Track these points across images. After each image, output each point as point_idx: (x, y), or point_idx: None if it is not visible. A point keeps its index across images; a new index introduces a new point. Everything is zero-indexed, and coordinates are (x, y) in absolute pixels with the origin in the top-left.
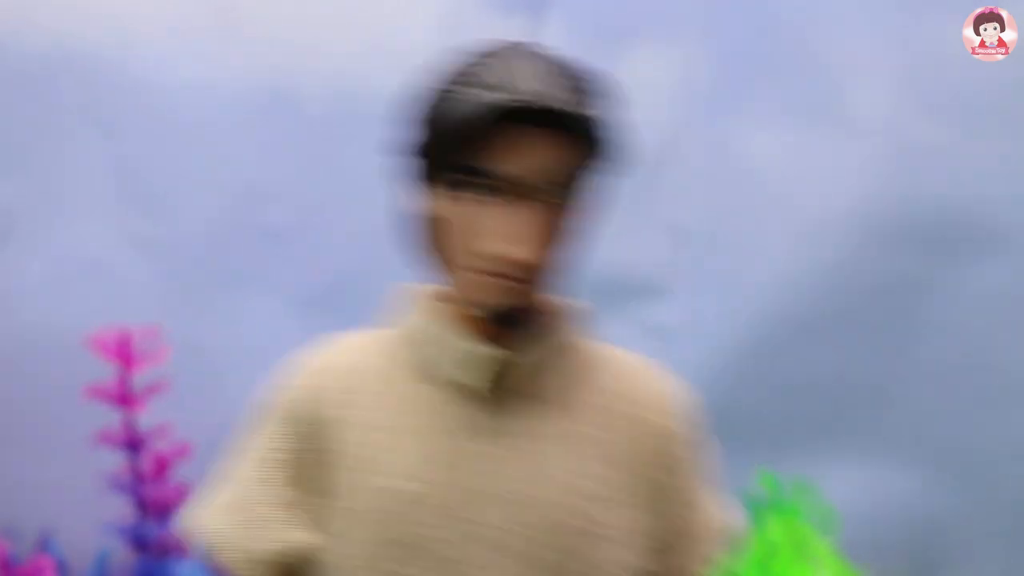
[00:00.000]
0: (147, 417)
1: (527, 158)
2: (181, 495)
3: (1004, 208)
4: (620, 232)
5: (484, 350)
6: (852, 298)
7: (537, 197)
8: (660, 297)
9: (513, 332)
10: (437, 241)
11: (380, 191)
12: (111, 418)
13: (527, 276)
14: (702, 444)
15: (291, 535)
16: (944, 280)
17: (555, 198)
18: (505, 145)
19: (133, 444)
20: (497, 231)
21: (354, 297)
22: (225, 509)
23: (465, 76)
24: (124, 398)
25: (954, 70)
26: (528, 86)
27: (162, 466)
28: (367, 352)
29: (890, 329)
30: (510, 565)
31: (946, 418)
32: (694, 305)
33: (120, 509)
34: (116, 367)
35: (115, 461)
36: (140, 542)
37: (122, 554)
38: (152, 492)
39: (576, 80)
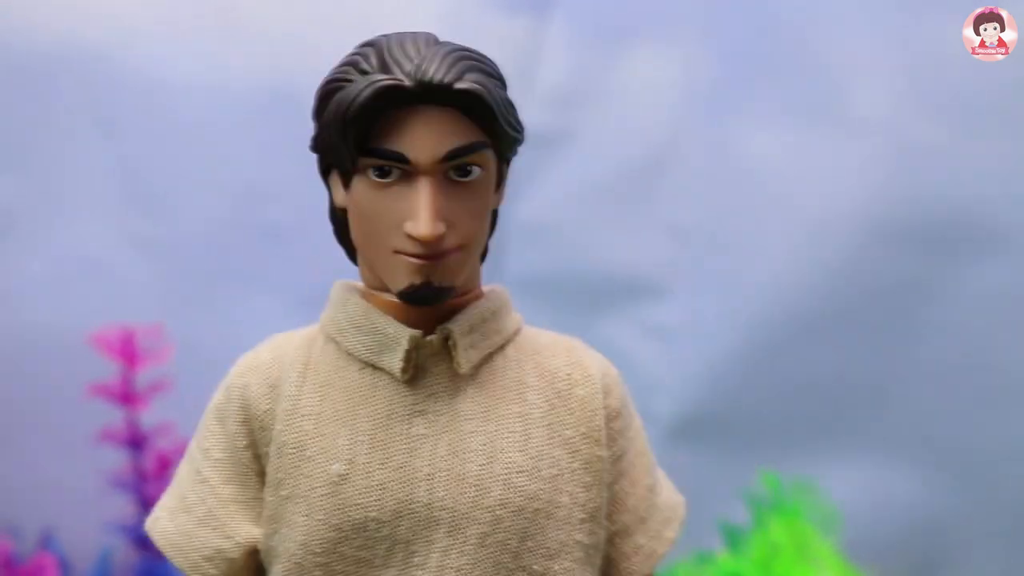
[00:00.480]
0: (149, 416)
1: (416, 136)
2: None
3: (1005, 208)
4: (620, 232)
5: (397, 331)
6: (853, 298)
7: (432, 174)
8: (660, 297)
9: (433, 313)
10: (348, 230)
11: None
12: (113, 417)
13: (429, 252)
14: (638, 422)
15: (234, 531)
16: (945, 280)
17: (454, 175)
18: (393, 126)
19: (135, 443)
20: (396, 210)
21: None
22: (170, 512)
23: (348, 65)
24: (126, 396)
25: (955, 70)
26: (406, 66)
27: (164, 465)
28: (289, 346)
29: (891, 329)
30: (441, 540)
31: (947, 418)
32: (694, 305)
33: (122, 508)
34: (118, 366)
35: (117, 460)
36: (142, 541)
37: (124, 553)
38: (155, 491)
39: (461, 58)
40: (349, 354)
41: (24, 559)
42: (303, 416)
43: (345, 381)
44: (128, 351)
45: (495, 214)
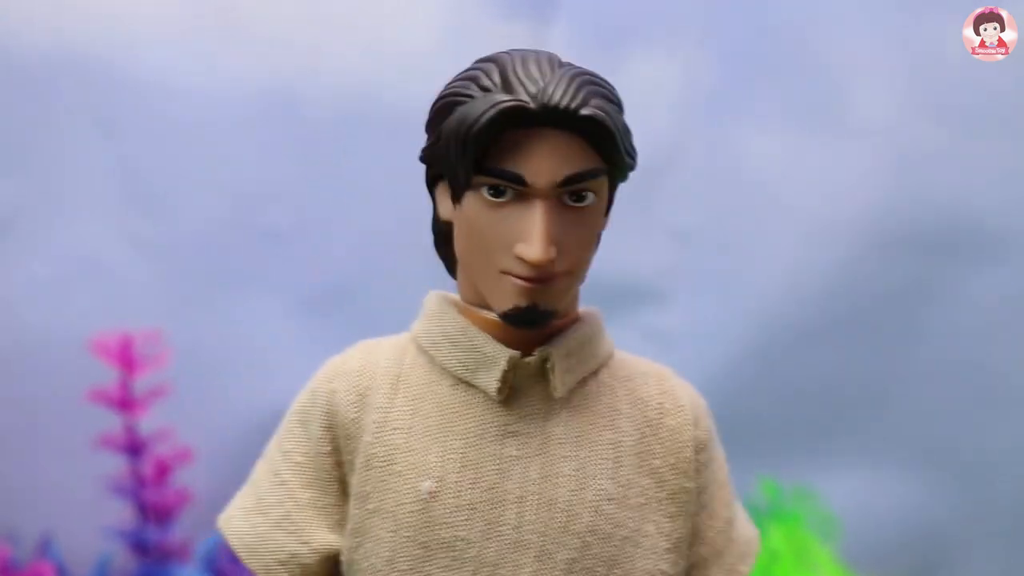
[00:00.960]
0: (148, 421)
1: (535, 158)
2: (182, 500)
3: (1004, 212)
4: (621, 236)
5: (495, 350)
6: (853, 302)
7: (548, 197)
8: (661, 302)
9: (531, 334)
10: (453, 246)
11: (381, 193)
12: (112, 422)
13: (539, 276)
14: (721, 454)
15: (310, 537)
16: (944, 284)
17: (568, 199)
18: (513, 146)
19: (134, 448)
20: (508, 231)
21: (355, 299)
22: (245, 513)
23: (469, 80)
24: (125, 402)
25: (955, 74)
26: (531, 87)
27: (163, 470)
28: (380, 355)
29: (891, 334)
30: (529, 564)
31: (947, 423)
32: (695, 310)
33: (121, 513)
34: (117, 371)
35: (116, 465)
36: (141, 546)
37: (123, 558)
38: (153, 496)
39: (585, 83)
40: (442, 368)
41: (22, 564)
42: (393, 429)
43: (438, 396)
44: (127, 356)
45: (598, 238)
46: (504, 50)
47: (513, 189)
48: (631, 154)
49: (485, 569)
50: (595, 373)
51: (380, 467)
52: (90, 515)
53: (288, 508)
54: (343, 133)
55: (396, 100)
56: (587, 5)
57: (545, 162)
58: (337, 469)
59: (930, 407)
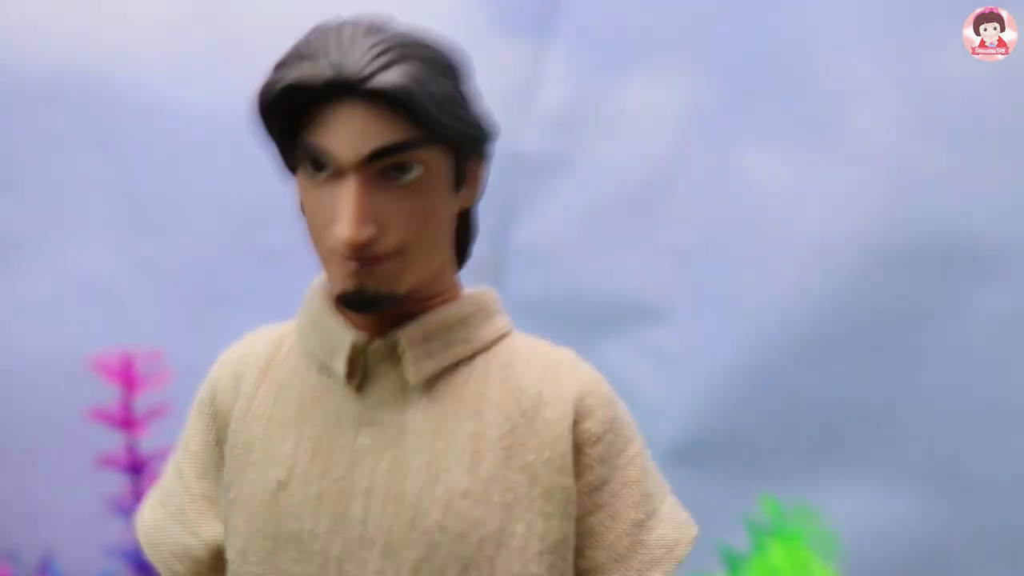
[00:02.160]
0: (149, 440)
1: (339, 131)
2: None
3: (1005, 231)
4: (620, 255)
5: (343, 334)
6: (855, 322)
7: (360, 172)
8: (660, 320)
9: (387, 318)
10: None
11: None
12: (113, 441)
13: (359, 256)
14: (633, 449)
15: (202, 529)
16: (946, 303)
17: (390, 173)
18: (323, 120)
19: (135, 467)
20: (328, 209)
21: None
22: (151, 507)
23: (294, 49)
24: (126, 421)
25: (956, 93)
26: (333, 56)
27: None
28: (260, 342)
29: (892, 353)
30: (375, 561)
31: (948, 441)
32: (695, 329)
33: (122, 533)
34: (118, 390)
35: (117, 484)
36: (142, 565)
37: None
38: None
39: (387, 49)
40: (304, 354)
41: None
42: (254, 418)
43: (301, 384)
44: (128, 375)
45: (468, 214)
46: (327, 22)
47: (326, 163)
48: (465, 121)
49: (332, 564)
50: (469, 359)
51: (240, 456)
52: (91, 534)
53: (183, 500)
54: None
55: None
56: (587, 25)
57: (349, 136)
58: (216, 460)
59: (931, 425)
